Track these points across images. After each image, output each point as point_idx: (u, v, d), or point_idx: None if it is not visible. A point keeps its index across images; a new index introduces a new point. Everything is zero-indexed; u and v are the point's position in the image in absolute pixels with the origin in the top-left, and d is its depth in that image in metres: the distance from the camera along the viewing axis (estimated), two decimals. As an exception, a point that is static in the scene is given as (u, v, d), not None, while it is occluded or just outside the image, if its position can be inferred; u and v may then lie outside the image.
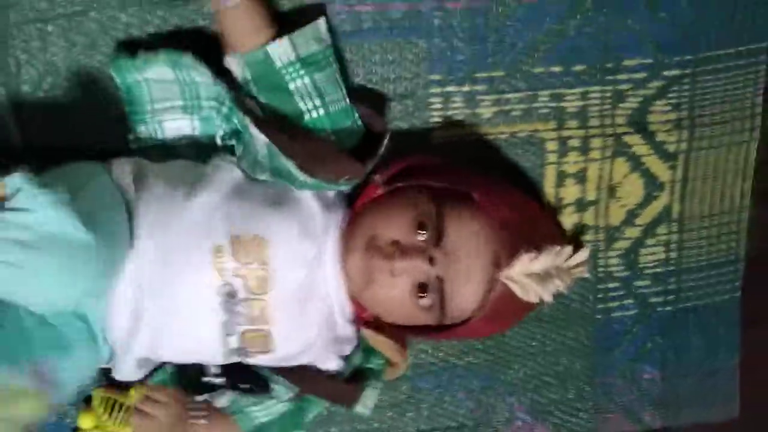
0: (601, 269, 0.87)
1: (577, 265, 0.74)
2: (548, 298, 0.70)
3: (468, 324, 0.70)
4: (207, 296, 0.67)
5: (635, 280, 0.88)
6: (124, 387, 0.79)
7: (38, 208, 0.57)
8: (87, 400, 0.82)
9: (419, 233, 0.67)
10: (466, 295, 0.68)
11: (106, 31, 0.72)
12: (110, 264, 0.64)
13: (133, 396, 0.79)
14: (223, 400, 0.76)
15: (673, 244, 0.88)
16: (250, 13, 0.67)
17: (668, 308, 0.90)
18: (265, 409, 0.78)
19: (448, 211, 0.68)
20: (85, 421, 0.81)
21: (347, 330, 0.74)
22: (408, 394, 0.88)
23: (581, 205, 0.85)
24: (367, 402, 0.77)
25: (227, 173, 0.71)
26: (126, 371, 0.72)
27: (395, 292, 0.68)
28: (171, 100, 0.71)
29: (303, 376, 0.74)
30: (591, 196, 0.85)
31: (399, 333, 0.74)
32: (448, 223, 0.68)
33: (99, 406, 0.80)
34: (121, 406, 0.79)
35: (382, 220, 0.69)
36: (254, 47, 0.67)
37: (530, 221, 0.73)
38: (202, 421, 0.76)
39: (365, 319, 0.73)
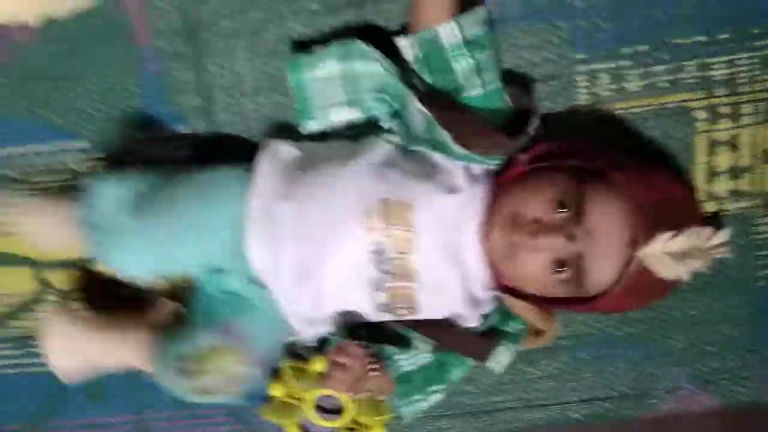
0: (759, 235, 0.88)
1: (718, 246, 0.75)
2: (686, 276, 0.73)
3: (604, 298, 0.74)
4: (358, 253, 0.76)
5: (795, 246, 0.90)
6: (306, 359, 0.92)
7: None
8: (276, 373, 0.96)
9: (560, 211, 0.72)
10: (602, 271, 0.72)
11: (282, 41, 0.83)
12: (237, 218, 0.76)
13: (316, 364, 0.90)
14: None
15: (835, 208, 0.89)
16: None
17: (832, 273, 0.90)
18: (410, 359, 0.86)
19: (589, 191, 0.72)
20: (277, 390, 0.94)
21: (483, 294, 0.80)
22: (568, 364, 0.94)
23: (735, 172, 0.87)
24: (500, 359, 0.82)
25: (379, 147, 0.80)
26: (302, 329, 0.82)
27: (535, 267, 0.74)
28: (336, 96, 0.81)
29: (438, 330, 0.81)
30: (745, 162, 0.87)
31: (538, 302, 0.79)
32: (589, 201, 0.72)
33: (287, 375, 0.93)
34: (306, 373, 0.92)
35: (525, 198, 0.74)
36: (436, 23, 0.75)
37: (670, 201, 0.75)
38: (376, 373, 0.85)
39: (506, 287, 0.79)
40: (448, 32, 0.76)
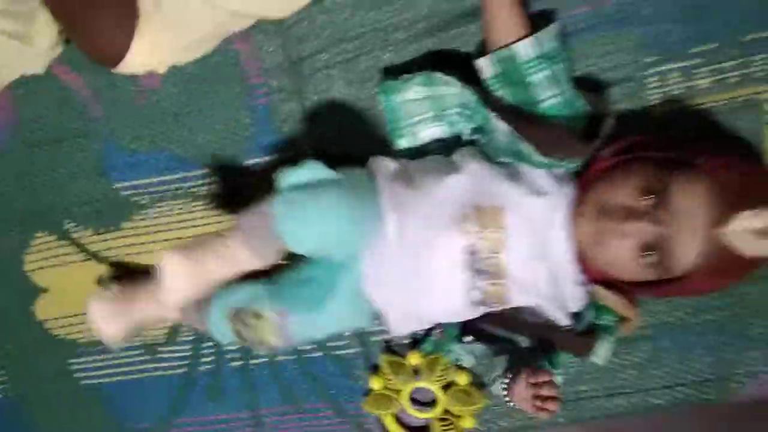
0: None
1: None
2: (766, 253, 0.77)
3: (690, 278, 0.79)
4: (455, 255, 0.84)
5: None
6: (402, 355, 1.02)
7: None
8: (375, 368, 1.06)
9: (645, 198, 0.78)
10: (687, 252, 0.77)
11: (373, 69, 0.94)
12: (374, 217, 0.85)
13: (412, 358, 1.01)
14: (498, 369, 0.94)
15: None
16: (515, 12, 0.84)
17: None
18: None
19: (670, 177, 0.78)
20: (376, 383, 1.04)
21: (573, 289, 0.86)
22: (650, 353, 1.00)
23: None
24: (601, 353, 0.88)
25: (470, 159, 0.88)
26: (396, 328, 0.91)
27: (623, 252, 0.79)
28: (423, 114, 0.91)
29: (539, 330, 0.88)
30: (814, 150, 0.93)
31: (626, 289, 0.85)
32: (671, 187, 0.78)
33: (385, 369, 1.03)
34: (402, 367, 1.02)
35: (612, 188, 0.81)
36: (509, 40, 0.84)
37: (751, 181, 0.80)
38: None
39: (594, 278, 0.86)
40: (525, 49, 0.84)
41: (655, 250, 0.78)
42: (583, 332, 0.89)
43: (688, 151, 0.81)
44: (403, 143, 0.93)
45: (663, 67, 0.91)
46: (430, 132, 0.92)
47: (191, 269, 0.90)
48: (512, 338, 0.91)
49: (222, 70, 0.97)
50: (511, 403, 0.92)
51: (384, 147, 0.95)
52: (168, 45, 0.93)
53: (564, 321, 0.87)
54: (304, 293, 0.90)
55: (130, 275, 1.04)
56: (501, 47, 0.85)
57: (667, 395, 1.01)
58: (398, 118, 0.92)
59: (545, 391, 0.86)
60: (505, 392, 0.91)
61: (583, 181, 0.85)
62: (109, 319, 0.98)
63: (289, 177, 0.85)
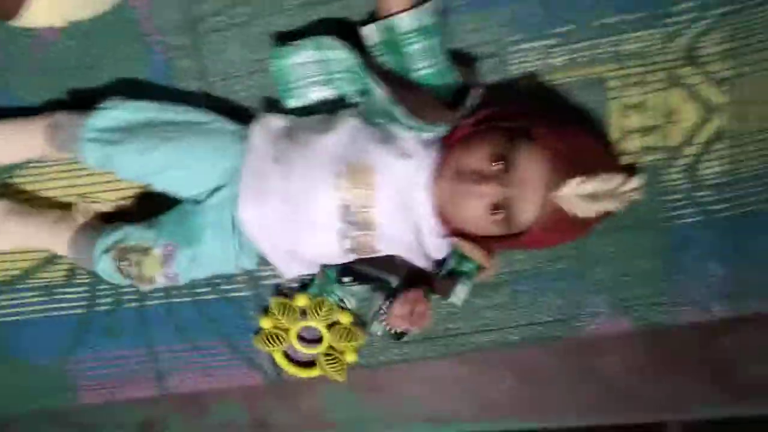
0: (665, 183, 1.14)
1: (630, 190, 0.97)
2: (594, 215, 0.95)
3: (529, 234, 0.96)
4: (329, 207, 1.00)
5: (696, 192, 1.14)
6: (290, 297, 1.17)
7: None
8: (265, 310, 1.21)
9: (494, 164, 0.95)
10: (527, 211, 0.95)
11: (267, 33, 1.07)
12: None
13: (299, 300, 1.16)
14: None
15: (729, 158, 1.13)
16: None
17: (728, 214, 1.15)
18: None
19: (517, 146, 0.95)
20: (266, 323, 1.20)
21: (435, 241, 1.03)
22: (508, 295, 1.20)
23: (644, 130, 1.12)
24: (459, 295, 1.07)
25: (349, 119, 1.03)
26: (284, 268, 1.08)
27: (476, 211, 0.96)
28: (312, 77, 1.04)
29: (408, 272, 1.06)
30: (652, 122, 1.11)
31: (480, 241, 1.02)
32: (517, 155, 0.94)
33: (275, 309, 1.18)
34: (290, 308, 1.18)
35: (467, 154, 0.97)
36: (392, 13, 0.97)
37: (582, 152, 0.97)
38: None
39: (453, 232, 1.02)
40: (405, 21, 0.98)
41: (502, 209, 0.95)
42: (446, 276, 1.07)
43: (532, 122, 0.97)
44: (292, 103, 1.07)
45: (524, 45, 1.08)
46: (317, 94, 1.06)
47: None
48: (385, 278, 1.07)
49: (119, 26, 1.07)
50: (388, 327, 1.09)
51: (276, 107, 1.08)
52: (66, 1, 1.02)
53: (429, 267, 1.05)
54: (183, 228, 1.07)
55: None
56: (384, 17, 0.99)
57: (524, 332, 1.22)
58: (288, 80, 1.05)
59: (419, 307, 1.05)
60: (384, 318, 1.08)
61: (445, 146, 1.01)
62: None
63: (102, 118, 1.02)
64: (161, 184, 1.08)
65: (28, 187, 1.16)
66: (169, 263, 1.06)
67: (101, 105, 1.05)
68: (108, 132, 1.03)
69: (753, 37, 1.09)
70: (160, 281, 1.08)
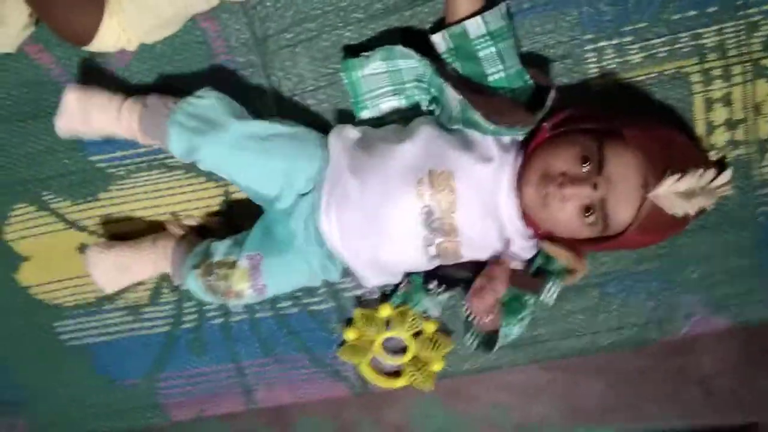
0: (756, 177, 1.21)
1: (722, 185, 1.04)
2: (692, 212, 1.02)
3: (625, 235, 1.04)
4: (412, 215, 1.10)
5: (789, 183, 1.22)
6: (374, 307, 1.30)
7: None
8: (349, 321, 1.34)
9: (583, 165, 1.03)
10: (622, 212, 1.03)
11: (335, 46, 1.18)
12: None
13: (383, 311, 1.28)
14: None
15: (820, 148, 1.20)
16: None
17: (824, 204, 1.23)
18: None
19: (606, 147, 1.03)
20: (350, 334, 1.33)
21: (522, 242, 1.12)
22: (598, 299, 1.29)
23: (731, 124, 1.19)
24: (550, 293, 1.14)
25: (425, 127, 1.14)
26: (364, 279, 1.19)
27: (566, 214, 1.05)
28: (383, 87, 1.15)
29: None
30: (739, 115, 1.19)
31: (570, 244, 1.10)
32: (606, 156, 1.02)
33: (358, 321, 1.31)
34: (375, 319, 1.30)
35: (553, 157, 1.05)
36: (460, 19, 1.07)
37: (674, 150, 1.05)
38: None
39: (540, 234, 1.11)
40: (474, 26, 1.08)
41: (594, 211, 1.03)
42: (533, 275, 1.15)
43: (619, 123, 1.04)
44: (365, 114, 1.18)
45: (598, 44, 1.16)
46: (389, 104, 1.17)
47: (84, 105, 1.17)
48: (472, 280, 1.15)
49: (189, 48, 1.20)
50: (472, 317, 1.16)
51: (349, 119, 1.20)
52: (136, 25, 1.13)
53: (516, 266, 1.13)
54: (269, 238, 1.19)
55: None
56: (453, 23, 1.09)
57: (614, 336, 1.32)
58: (359, 92, 1.16)
59: (494, 285, 1.11)
60: (466, 308, 1.15)
61: (528, 150, 1.09)
62: (104, 270, 1.25)
63: (194, 105, 1.13)
64: (246, 184, 1.18)
65: (115, 210, 1.30)
66: (255, 274, 1.17)
67: (194, 93, 1.16)
68: (198, 120, 1.14)
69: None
70: (249, 294, 1.19)
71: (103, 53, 1.20)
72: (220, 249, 1.20)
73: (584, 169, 1.02)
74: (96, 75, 1.23)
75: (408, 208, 1.09)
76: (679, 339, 1.31)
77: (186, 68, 1.22)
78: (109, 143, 1.26)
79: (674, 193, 1.00)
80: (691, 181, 1.01)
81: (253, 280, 1.18)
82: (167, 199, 1.29)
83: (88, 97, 1.17)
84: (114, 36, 1.14)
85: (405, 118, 1.18)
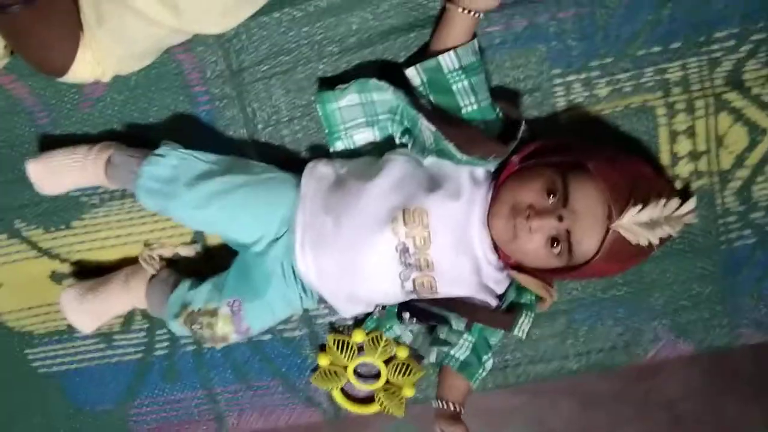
0: (719, 206, 1.26)
1: (686, 214, 1.08)
2: (656, 241, 1.06)
3: (591, 265, 1.07)
4: (388, 252, 1.12)
5: (751, 213, 1.26)
6: (346, 333, 1.32)
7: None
8: (322, 347, 1.36)
9: (549, 198, 1.06)
10: (587, 243, 1.06)
11: (310, 79, 1.21)
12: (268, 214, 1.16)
13: (356, 336, 1.30)
14: (432, 357, 1.24)
15: (782, 178, 1.25)
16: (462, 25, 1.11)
17: (785, 233, 1.28)
18: (460, 349, 1.22)
19: (570, 179, 1.06)
20: (323, 360, 1.34)
21: (495, 274, 1.15)
22: (566, 324, 1.33)
23: (694, 156, 1.23)
24: (522, 327, 1.17)
25: (397, 163, 1.16)
26: (343, 310, 1.21)
27: (534, 245, 1.07)
28: (356, 119, 1.18)
29: (468, 308, 1.16)
30: (702, 147, 1.23)
31: (539, 274, 1.13)
32: (571, 188, 1.05)
33: (332, 346, 1.32)
34: (347, 345, 1.32)
35: (520, 190, 1.08)
36: (434, 53, 1.10)
37: (638, 180, 1.08)
38: None
39: (511, 265, 1.14)
40: (447, 61, 1.11)
41: (560, 242, 1.06)
42: (506, 310, 1.17)
43: (584, 154, 1.08)
44: (339, 146, 1.20)
45: (567, 79, 1.20)
46: (363, 135, 1.20)
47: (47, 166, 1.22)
48: (445, 315, 1.19)
49: (165, 79, 1.22)
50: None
51: (321, 149, 1.23)
52: (111, 56, 1.14)
53: (490, 302, 1.16)
54: (247, 281, 1.21)
55: (88, 273, 1.32)
56: (427, 57, 1.12)
57: (582, 360, 1.35)
58: (334, 124, 1.18)
59: None
60: None
61: (496, 183, 1.12)
62: (79, 312, 1.27)
63: (156, 166, 1.16)
64: (219, 233, 1.24)
65: (88, 238, 1.31)
66: (237, 319, 1.19)
67: (156, 152, 1.18)
68: (162, 182, 1.17)
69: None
70: (234, 337, 1.21)
71: (78, 84, 1.21)
72: (199, 296, 1.22)
73: (550, 202, 1.05)
74: (70, 107, 1.24)
75: (383, 245, 1.11)
76: (646, 363, 1.34)
77: (161, 99, 1.23)
78: (82, 171, 1.27)
79: (637, 223, 1.04)
80: (654, 210, 1.04)
81: (236, 324, 1.20)
82: (140, 228, 1.31)
83: (49, 163, 1.23)
84: (89, 68, 1.14)
85: (378, 149, 1.20)
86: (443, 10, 1.13)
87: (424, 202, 1.11)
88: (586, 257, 1.06)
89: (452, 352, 1.23)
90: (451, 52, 1.11)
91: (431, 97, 1.14)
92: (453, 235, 1.11)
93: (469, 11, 1.10)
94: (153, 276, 1.28)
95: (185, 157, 1.18)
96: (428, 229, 1.10)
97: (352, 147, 1.21)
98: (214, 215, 1.16)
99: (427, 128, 1.11)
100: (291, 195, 1.17)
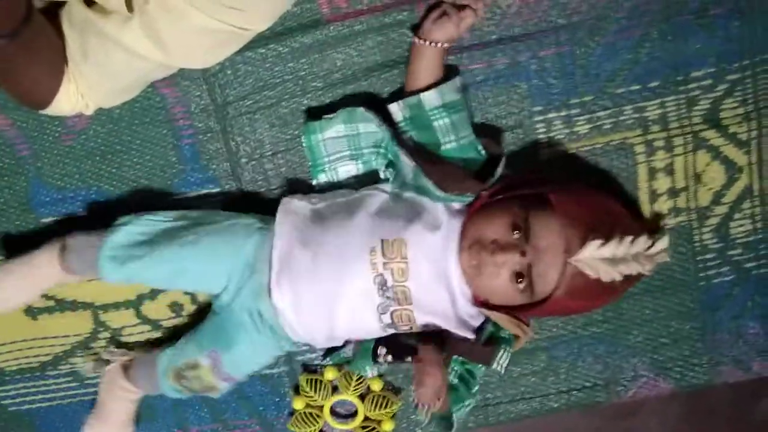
0: (697, 243, 1.27)
1: (657, 253, 1.10)
2: (619, 278, 1.05)
3: (553, 300, 1.06)
4: (365, 284, 1.12)
5: (729, 250, 1.28)
6: (321, 372, 1.31)
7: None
8: (296, 388, 1.35)
9: (514, 233, 1.07)
10: (547, 276, 1.05)
11: (294, 113, 1.22)
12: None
13: (329, 373, 1.29)
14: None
15: (758, 216, 1.27)
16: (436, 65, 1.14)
17: (762, 270, 1.29)
18: (451, 374, 1.20)
19: (533, 214, 1.06)
20: (298, 403, 1.33)
21: (469, 309, 1.14)
22: (546, 362, 1.33)
23: (673, 192, 1.25)
24: (501, 362, 1.16)
25: (376, 198, 1.17)
26: (320, 345, 1.21)
27: (499, 281, 1.08)
28: (341, 151, 1.18)
29: (447, 342, 1.15)
30: (680, 184, 1.25)
31: (508, 311, 1.12)
32: (531, 221, 1.06)
33: (305, 387, 1.31)
34: (320, 383, 1.31)
35: (485, 225, 1.09)
36: (417, 90, 1.12)
37: (603, 216, 1.08)
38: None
39: (480, 302, 1.13)
40: (429, 98, 1.13)
41: (524, 277, 1.06)
42: (485, 343, 1.16)
43: (549, 188, 1.09)
44: (322, 178, 1.21)
45: (547, 116, 1.22)
46: (346, 168, 1.20)
47: None
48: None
49: (149, 113, 1.22)
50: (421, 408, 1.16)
51: (304, 183, 1.24)
52: (95, 90, 1.13)
53: (468, 335, 1.15)
54: (220, 333, 1.20)
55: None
56: (409, 94, 1.14)
57: (563, 399, 1.35)
58: (318, 155, 1.19)
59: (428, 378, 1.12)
60: (416, 402, 1.15)
61: (467, 217, 1.12)
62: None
63: (117, 234, 1.17)
64: (189, 287, 1.26)
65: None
66: (218, 370, 1.19)
67: (115, 223, 1.19)
68: (127, 248, 1.17)
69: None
70: (223, 386, 1.22)
71: (61, 117, 1.21)
72: (178, 353, 1.22)
73: (515, 237, 1.06)
74: (51, 139, 1.23)
75: (361, 276, 1.11)
76: (627, 401, 1.34)
77: (144, 132, 1.23)
78: (62, 204, 1.26)
79: (598, 259, 1.04)
80: (619, 247, 1.04)
81: (218, 374, 1.20)
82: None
83: None
84: (72, 100, 1.13)
85: (360, 182, 1.21)
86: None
87: (403, 233, 1.11)
88: (547, 292, 1.06)
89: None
90: (434, 90, 1.13)
91: (413, 133, 1.15)
92: (431, 267, 1.11)
93: (432, 42, 1.13)
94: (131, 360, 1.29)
95: (147, 222, 1.19)
96: (406, 260, 1.10)
97: (334, 179, 1.21)
98: (181, 267, 1.16)
99: (407, 163, 1.12)
100: (255, 238, 1.17)
